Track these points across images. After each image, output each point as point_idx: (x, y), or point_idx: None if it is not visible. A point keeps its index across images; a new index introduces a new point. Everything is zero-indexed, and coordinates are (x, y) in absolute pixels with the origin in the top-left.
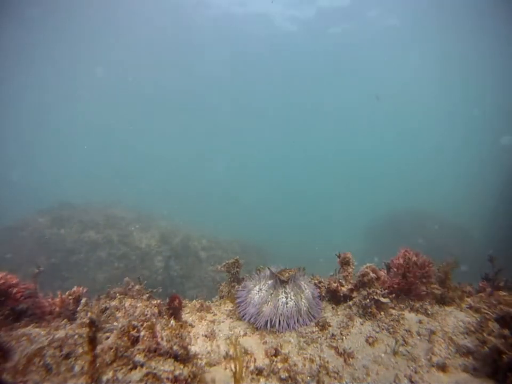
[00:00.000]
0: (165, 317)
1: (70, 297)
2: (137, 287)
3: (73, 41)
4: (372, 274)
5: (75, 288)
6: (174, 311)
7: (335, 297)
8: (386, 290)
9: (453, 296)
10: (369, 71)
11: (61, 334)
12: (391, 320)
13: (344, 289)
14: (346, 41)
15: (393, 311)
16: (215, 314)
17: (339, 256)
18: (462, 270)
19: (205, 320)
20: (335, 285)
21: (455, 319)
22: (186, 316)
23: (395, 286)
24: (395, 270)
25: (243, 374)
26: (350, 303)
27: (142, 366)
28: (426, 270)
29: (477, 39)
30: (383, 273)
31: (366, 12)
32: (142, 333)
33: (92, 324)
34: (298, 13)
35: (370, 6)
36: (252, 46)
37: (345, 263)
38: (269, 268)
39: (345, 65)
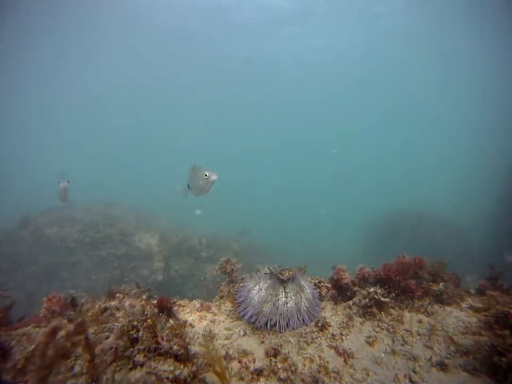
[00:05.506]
0: (165, 316)
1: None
2: (133, 291)
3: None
4: (368, 269)
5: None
6: (168, 311)
7: (339, 288)
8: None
9: (453, 295)
10: (372, 74)
11: (61, 333)
12: (391, 320)
13: (346, 280)
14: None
15: (393, 311)
16: (215, 314)
17: (334, 268)
18: (461, 269)
19: (205, 320)
20: (337, 276)
21: (455, 319)
22: (186, 315)
23: (393, 269)
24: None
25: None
26: (350, 302)
27: (141, 365)
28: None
29: (470, 37)
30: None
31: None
32: (141, 333)
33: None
34: None
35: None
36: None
37: (342, 269)
38: (268, 268)
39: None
